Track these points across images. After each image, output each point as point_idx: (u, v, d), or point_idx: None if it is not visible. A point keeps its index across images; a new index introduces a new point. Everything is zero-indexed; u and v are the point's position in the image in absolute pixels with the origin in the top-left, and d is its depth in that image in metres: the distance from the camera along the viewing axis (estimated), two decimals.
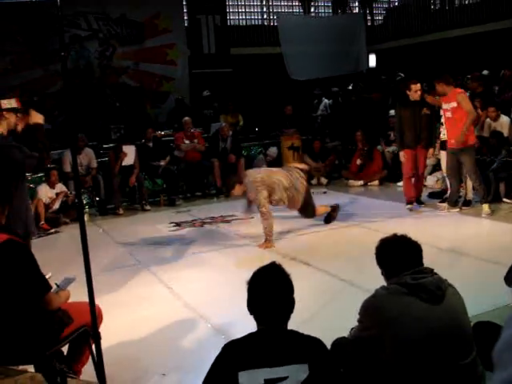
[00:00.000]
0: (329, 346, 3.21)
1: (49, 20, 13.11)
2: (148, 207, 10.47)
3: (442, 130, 8.82)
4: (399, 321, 2.81)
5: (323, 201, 8.65)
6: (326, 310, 4.93)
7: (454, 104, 8.03)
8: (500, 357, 0.52)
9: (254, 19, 18.32)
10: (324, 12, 19.49)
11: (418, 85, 8.65)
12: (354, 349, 3.18)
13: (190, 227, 8.80)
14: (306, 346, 2.44)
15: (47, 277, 3.58)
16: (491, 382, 0.52)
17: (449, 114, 8.20)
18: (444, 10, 16.94)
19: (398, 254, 3.06)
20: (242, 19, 18.06)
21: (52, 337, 3.18)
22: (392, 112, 12.71)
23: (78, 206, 3.22)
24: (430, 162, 10.68)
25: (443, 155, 8.85)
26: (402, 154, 8.84)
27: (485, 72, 12.37)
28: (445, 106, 8.25)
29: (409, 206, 8.89)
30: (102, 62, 14.74)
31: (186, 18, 15.75)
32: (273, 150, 12.22)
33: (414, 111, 8.61)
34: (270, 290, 2.49)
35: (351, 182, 11.66)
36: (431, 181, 10.58)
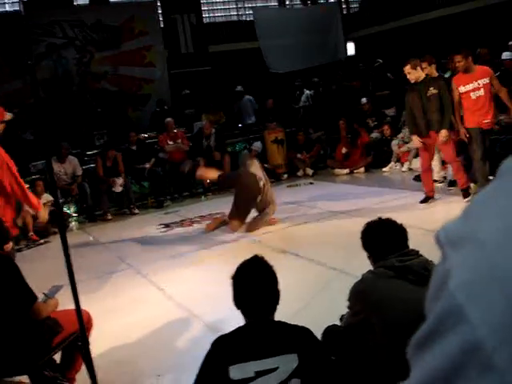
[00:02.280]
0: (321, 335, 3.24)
1: (21, 31, 13.05)
2: (136, 211, 10.45)
3: None
4: (387, 304, 2.82)
5: (309, 192, 8.64)
6: (318, 299, 4.94)
7: (486, 80, 7.59)
8: (427, 307, 0.50)
9: (230, 15, 18.30)
10: (299, 3, 19.49)
11: (406, 67, 7.86)
12: (345, 335, 3.20)
13: (179, 227, 8.80)
14: (294, 336, 2.44)
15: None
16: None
17: (480, 93, 7.62)
18: None
19: (383, 238, 3.07)
20: (218, 16, 18.03)
21: (43, 346, 3.17)
22: (364, 100, 12.78)
23: (57, 214, 3.19)
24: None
25: None
26: (415, 138, 8.09)
27: None
28: (468, 87, 7.67)
29: (423, 202, 8.19)
30: (80, 68, 14.66)
31: (161, 18, 15.69)
32: (257, 145, 12.22)
33: (417, 94, 7.87)
34: (253, 283, 2.50)
35: (337, 170, 11.69)
36: (416, 164, 10.60)
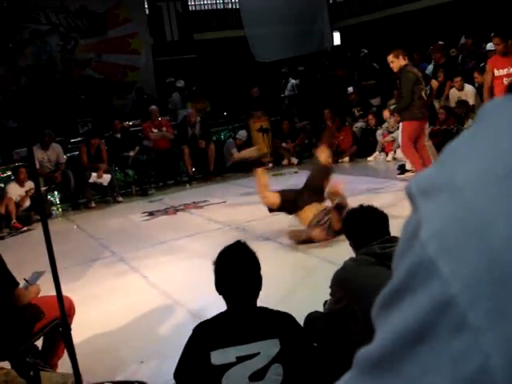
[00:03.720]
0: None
1: (4, 18, 12.88)
2: (120, 199, 10.41)
3: None
4: (369, 290, 2.82)
5: (294, 181, 8.63)
6: (301, 286, 4.96)
7: None
8: (395, 263, 0.46)
9: (216, 3, 18.21)
10: None
11: (389, 56, 8.03)
12: (327, 322, 3.21)
13: (163, 216, 8.78)
14: (275, 322, 2.45)
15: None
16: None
17: None
18: None
19: (364, 225, 3.09)
20: (204, 4, 17.94)
21: (24, 332, 3.16)
22: (350, 89, 12.80)
23: (38, 201, 3.17)
24: (397, 134, 10.77)
25: None
26: None
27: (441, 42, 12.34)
28: (503, 71, 7.61)
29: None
30: (64, 55, 14.55)
31: (146, 6, 15.59)
32: (242, 134, 12.19)
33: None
34: (235, 269, 2.50)
35: None
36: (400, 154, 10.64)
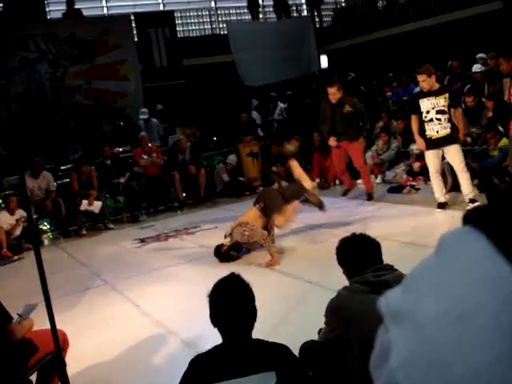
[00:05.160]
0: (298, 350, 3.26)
1: None
2: (111, 226, 10.38)
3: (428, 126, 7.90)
4: (363, 319, 2.84)
5: None
6: (295, 313, 4.96)
7: None
8: (373, 373, 0.54)
9: (204, 29, 18.37)
10: (273, 17, 19.62)
11: (332, 89, 9.09)
12: (322, 351, 3.22)
13: (154, 242, 8.76)
14: (271, 354, 2.45)
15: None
16: None
17: None
18: (390, 7, 17.21)
19: (357, 253, 3.11)
20: (192, 30, 18.10)
21: (18, 367, 3.14)
22: None
23: (31, 230, 3.17)
24: (387, 156, 10.86)
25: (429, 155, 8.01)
26: (332, 138, 9.31)
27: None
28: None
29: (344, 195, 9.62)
30: (53, 83, 14.57)
31: (135, 32, 15.69)
32: (232, 158, 12.24)
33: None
34: (230, 301, 2.51)
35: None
36: (390, 176, 10.72)
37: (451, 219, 7.62)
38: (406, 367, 0.47)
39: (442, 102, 7.60)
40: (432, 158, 7.84)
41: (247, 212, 7.05)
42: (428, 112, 7.69)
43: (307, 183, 7.39)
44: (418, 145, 8.24)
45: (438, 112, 7.63)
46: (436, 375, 0.44)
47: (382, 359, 0.48)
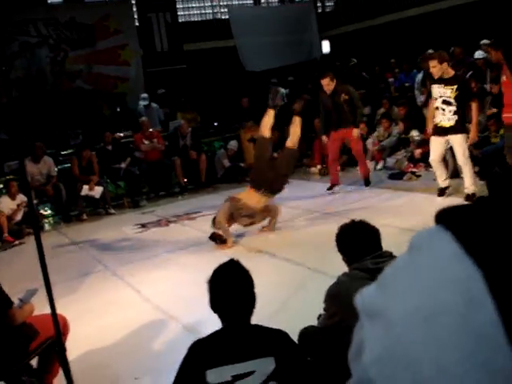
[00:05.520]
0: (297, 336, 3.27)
1: None
2: (112, 211, 10.40)
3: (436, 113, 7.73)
4: None
5: (286, 191, 8.64)
6: (294, 299, 4.98)
7: None
8: (350, 366, 0.56)
9: (205, 13, 18.27)
10: (275, 2, 19.53)
11: (324, 80, 9.20)
12: (322, 337, 3.23)
13: (155, 227, 8.78)
14: (270, 339, 2.47)
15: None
16: None
17: None
18: None
19: (356, 240, 3.12)
20: (193, 14, 18.00)
21: (19, 351, 3.16)
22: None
23: (31, 215, 3.18)
24: (388, 143, 10.85)
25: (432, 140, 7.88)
26: (324, 137, 9.73)
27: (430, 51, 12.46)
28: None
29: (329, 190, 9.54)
30: (54, 67, 14.52)
31: (136, 17, 15.62)
32: (233, 144, 12.22)
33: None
34: (229, 287, 2.52)
35: (312, 169, 11.77)
36: (391, 162, 10.71)
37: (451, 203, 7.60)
38: (378, 364, 0.49)
39: (448, 92, 7.41)
40: (435, 144, 7.74)
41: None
42: (436, 99, 7.59)
43: (289, 143, 7.63)
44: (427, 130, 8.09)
45: (443, 102, 7.45)
46: (406, 373, 0.46)
47: (357, 354, 0.51)
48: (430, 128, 7.87)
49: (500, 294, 0.46)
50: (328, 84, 9.18)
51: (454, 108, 7.42)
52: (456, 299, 0.48)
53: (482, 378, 0.45)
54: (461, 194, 7.75)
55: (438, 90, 7.51)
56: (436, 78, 7.55)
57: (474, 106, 7.49)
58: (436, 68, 7.47)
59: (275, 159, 7.56)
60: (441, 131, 7.58)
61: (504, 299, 0.46)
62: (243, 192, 7.42)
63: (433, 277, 0.50)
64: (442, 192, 7.96)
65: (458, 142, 7.49)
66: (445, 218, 0.54)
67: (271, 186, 7.14)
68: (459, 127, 7.45)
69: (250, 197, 7.14)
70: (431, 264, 0.51)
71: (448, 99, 7.43)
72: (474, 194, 7.42)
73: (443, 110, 7.48)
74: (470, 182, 7.51)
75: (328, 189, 9.54)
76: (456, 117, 7.42)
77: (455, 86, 7.38)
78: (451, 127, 7.48)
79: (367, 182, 9.53)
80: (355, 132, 9.24)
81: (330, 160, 9.70)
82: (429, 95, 8.06)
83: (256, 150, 7.68)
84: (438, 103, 7.53)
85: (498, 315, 0.46)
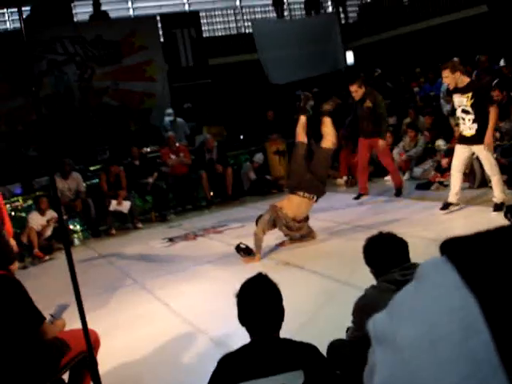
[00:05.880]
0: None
1: (22, 49, 13.11)
2: (140, 225, 10.49)
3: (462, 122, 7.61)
4: None
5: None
6: (323, 312, 4.96)
7: None
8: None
9: (229, 28, 18.42)
10: (298, 14, 19.62)
11: (353, 86, 9.27)
12: (350, 350, 3.22)
13: (182, 241, 8.83)
14: (299, 353, 2.47)
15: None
16: None
17: None
18: (416, 1, 17.06)
19: (384, 252, 3.11)
20: (218, 29, 18.16)
21: (50, 366, 3.20)
22: None
23: (62, 231, 3.23)
24: (414, 153, 10.78)
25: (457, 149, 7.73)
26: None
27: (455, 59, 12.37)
28: None
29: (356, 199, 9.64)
30: (81, 84, 14.76)
31: (161, 33, 15.80)
32: (259, 157, 12.26)
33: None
34: (258, 301, 2.53)
35: (339, 180, 11.75)
36: (418, 172, 10.63)
37: (479, 216, 7.54)
38: None
39: (464, 101, 7.29)
40: (458, 151, 7.61)
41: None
42: (456, 110, 7.56)
43: (328, 143, 7.48)
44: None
45: (462, 111, 7.36)
46: None
47: (370, 376, 0.55)
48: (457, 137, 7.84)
49: (494, 321, 0.50)
50: (356, 90, 9.21)
51: (472, 116, 7.30)
52: (454, 326, 0.51)
53: None
54: (489, 202, 7.66)
55: (457, 100, 7.45)
56: (451, 88, 7.51)
57: (491, 110, 7.32)
58: (449, 78, 7.37)
59: (311, 161, 7.53)
60: (464, 140, 7.50)
61: (498, 326, 0.50)
62: (283, 200, 7.40)
63: (434, 305, 0.54)
64: (446, 206, 7.80)
65: (484, 154, 7.40)
66: (448, 248, 0.58)
67: (310, 187, 7.14)
68: (481, 136, 7.32)
69: (290, 204, 7.12)
70: (434, 292, 0.55)
71: (465, 108, 7.33)
72: (502, 203, 7.32)
73: (463, 119, 7.41)
74: (498, 191, 7.42)
75: (355, 198, 9.56)
76: (476, 125, 7.29)
77: (470, 94, 7.27)
78: (473, 137, 7.35)
79: (398, 192, 9.45)
80: (381, 143, 9.15)
81: (359, 168, 9.74)
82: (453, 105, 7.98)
83: (293, 155, 7.70)
84: (459, 113, 7.47)
85: (493, 340, 0.49)
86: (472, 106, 7.27)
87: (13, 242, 6.74)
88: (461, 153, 7.56)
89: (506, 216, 6.78)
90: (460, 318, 0.51)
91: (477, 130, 7.29)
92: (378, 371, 0.54)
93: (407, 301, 0.57)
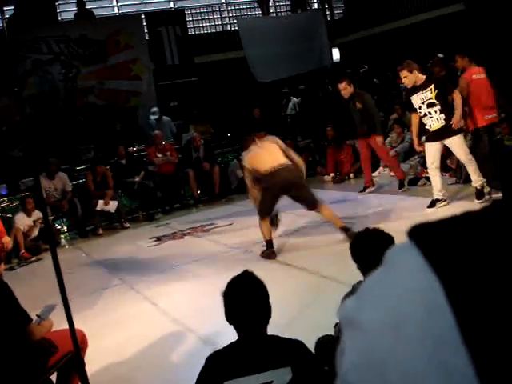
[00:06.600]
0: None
1: (5, 49, 13.00)
2: (127, 225, 10.46)
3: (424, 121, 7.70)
4: None
5: None
6: (311, 308, 4.97)
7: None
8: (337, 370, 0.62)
9: (215, 25, 18.39)
10: (283, 11, 19.63)
11: (341, 84, 9.34)
12: (338, 345, 3.22)
13: (170, 240, 8.81)
14: (287, 349, 2.47)
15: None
16: None
17: None
18: None
19: (371, 248, 3.11)
20: (203, 27, 18.12)
21: (37, 367, 3.19)
22: None
23: (47, 231, 3.21)
24: (401, 148, 10.82)
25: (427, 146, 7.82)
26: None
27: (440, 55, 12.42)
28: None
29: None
30: (66, 84, 14.65)
31: (146, 31, 15.73)
32: None
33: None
34: (244, 299, 2.53)
35: (326, 177, 11.78)
36: (405, 168, 10.65)
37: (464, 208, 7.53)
38: (354, 370, 0.54)
39: (428, 94, 7.42)
40: (430, 150, 7.61)
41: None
42: (420, 108, 7.54)
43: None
44: (414, 145, 8.16)
45: (428, 106, 7.44)
46: (376, 378, 0.52)
47: (340, 361, 0.58)
48: (416, 142, 7.94)
49: (457, 303, 0.51)
50: (345, 88, 9.30)
51: (438, 107, 7.42)
52: (418, 306, 0.52)
53: (439, 377, 0.49)
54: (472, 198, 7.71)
55: (418, 98, 7.54)
56: (410, 87, 7.63)
57: (455, 96, 7.43)
58: (408, 78, 7.59)
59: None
60: (435, 136, 7.54)
61: (461, 308, 0.51)
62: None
63: (398, 287, 0.55)
64: (432, 203, 7.79)
65: (456, 144, 7.46)
66: (415, 234, 0.58)
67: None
68: (451, 128, 7.39)
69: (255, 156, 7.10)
70: (398, 277, 0.56)
71: (431, 100, 7.45)
72: (482, 187, 7.45)
73: (430, 113, 7.48)
74: (476, 176, 7.50)
75: (361, 191, 9.77)
76: (444, 115, 7.40)
77: (432, 86, 7.44)
78: (443, 128, 7.42)
79: (401, 185, 9.49)
80: (378, 139, 9.31)
81: (362, 160, 9.93)
82: (411, 109, 7.99)
83: None
84: (424, 109, 7.52)
85: (456, 322, 0.51)
86: (437, 96, 7.41)
87: (8, 239, 6.73)
88: (432, 150, 7.60)
89: (489, 185, 7.33)
90: (424, 299, 0.52)
91: (445, 120, 7.40)
92: (346, 354, 0.56)
93: (372, 286, 0.58)
